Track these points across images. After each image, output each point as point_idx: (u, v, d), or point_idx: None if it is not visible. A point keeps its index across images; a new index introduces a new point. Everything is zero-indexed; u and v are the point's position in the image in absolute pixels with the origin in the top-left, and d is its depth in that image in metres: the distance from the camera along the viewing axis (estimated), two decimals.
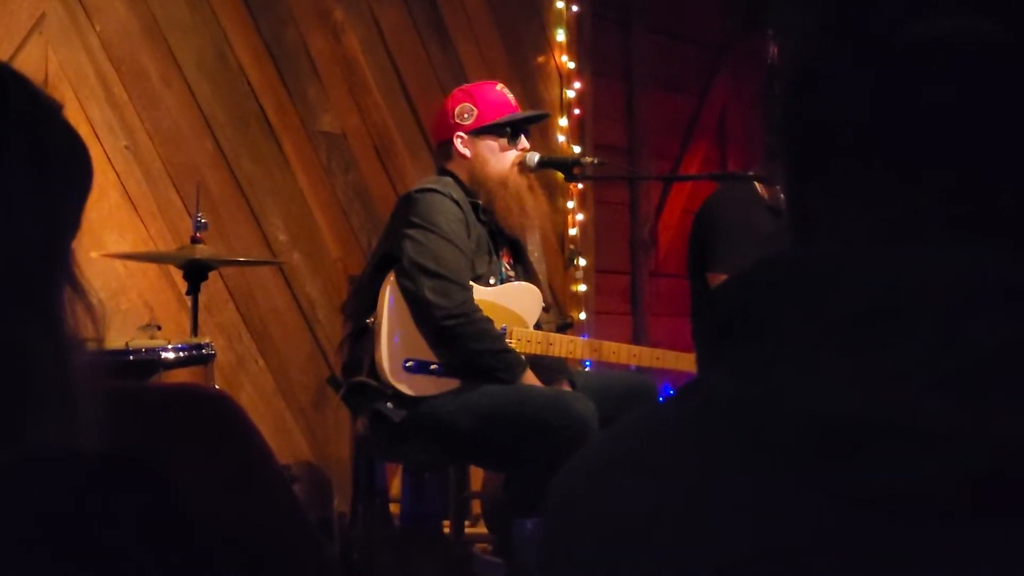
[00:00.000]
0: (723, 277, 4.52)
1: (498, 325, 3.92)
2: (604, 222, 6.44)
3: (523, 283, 4.13)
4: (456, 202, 3.94)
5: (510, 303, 4.03)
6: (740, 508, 0.77)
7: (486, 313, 3.86)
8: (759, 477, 0.77)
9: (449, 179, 4.06)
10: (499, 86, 4.23)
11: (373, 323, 3.85)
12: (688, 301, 5.13)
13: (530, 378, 3.85)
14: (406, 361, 3.81)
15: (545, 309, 4.18)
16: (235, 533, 0.98)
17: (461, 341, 3.80)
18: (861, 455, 0.74)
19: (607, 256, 6.45)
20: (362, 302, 3.93)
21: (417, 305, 3.81)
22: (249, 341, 4.87)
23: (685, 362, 4.24)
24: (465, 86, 4.35)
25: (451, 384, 3.83)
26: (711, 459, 0.79)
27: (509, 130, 4.12)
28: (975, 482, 0.72)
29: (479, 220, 4.01)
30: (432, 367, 3.82)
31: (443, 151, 4.19)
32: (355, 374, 3.87)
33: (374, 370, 3.82)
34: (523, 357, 3.89)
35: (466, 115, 4.12)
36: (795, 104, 0.86)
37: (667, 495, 0.80)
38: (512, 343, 3.95)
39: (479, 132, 4.10)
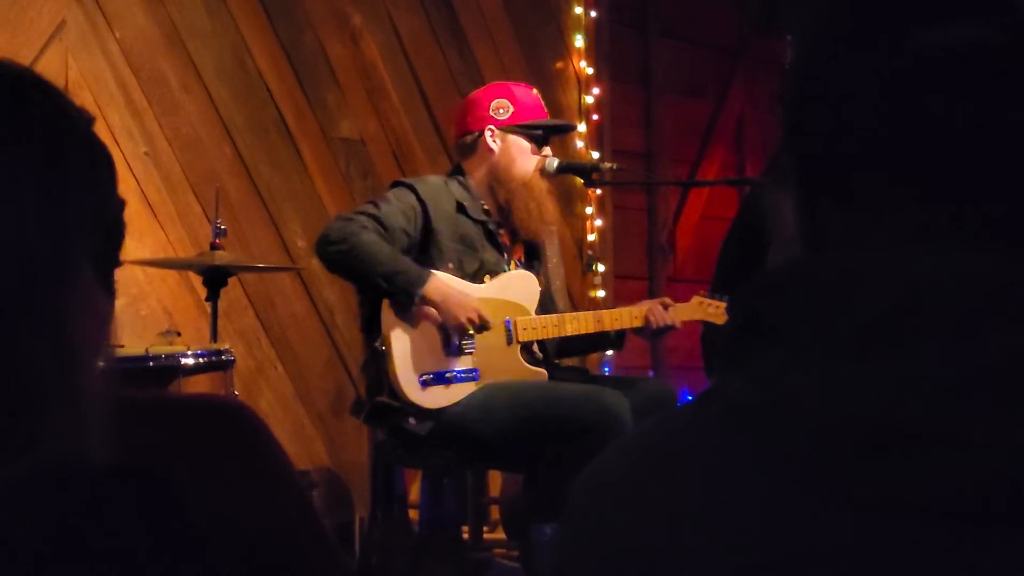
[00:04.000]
0: None
1: (500, 318, 3.90)
2: (622, 227, 6.44)
3: (518, 271, 4.09)
4: (420, 197, 3.93)
5: (507, 294, 4.00)
6: (759, 513, 0.77)
7: (485, 310, 3.86)
8: (778, 482, 0.77)
9: (438, 178, 4.07)
10: (534, 90, 4.21)
11: (380, 346, 3.82)
12: None
13: (435, 288, 3.80)
14: (421, 376, 3.80)
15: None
16: (250, 545, 0.97)
17: (349, 269, 3.83)
18: (877, 460, 0.74)
19: (625, 261, 6.44)
20: (367, 323, 3.92)
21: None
22: (268, 347, 4.88)
23: (684, 312, 4.20)
24: (500, 82, 4.30)
25: (469, 388, 3.82)
26: (729, 465, 0.79)
27: (541, 133, 4.11)
28: (991, 487, 0.72)
29: (470, 218, 4.00)
30: (447, 375, 3.81)
31: (466, 144, 4.12)
32: (378, 394, 3.85)
33: (393, 391, 3.80)
34: (424, 272, 3.81)
35: (502, 110, 4.07)
36: (807, 113, 0.86)
37: (685, 502, 0.80)
38: (519, 333, 3.93)
39: (512, 129, 4.08)
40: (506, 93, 4.12)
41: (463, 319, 3.78)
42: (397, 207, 3.87)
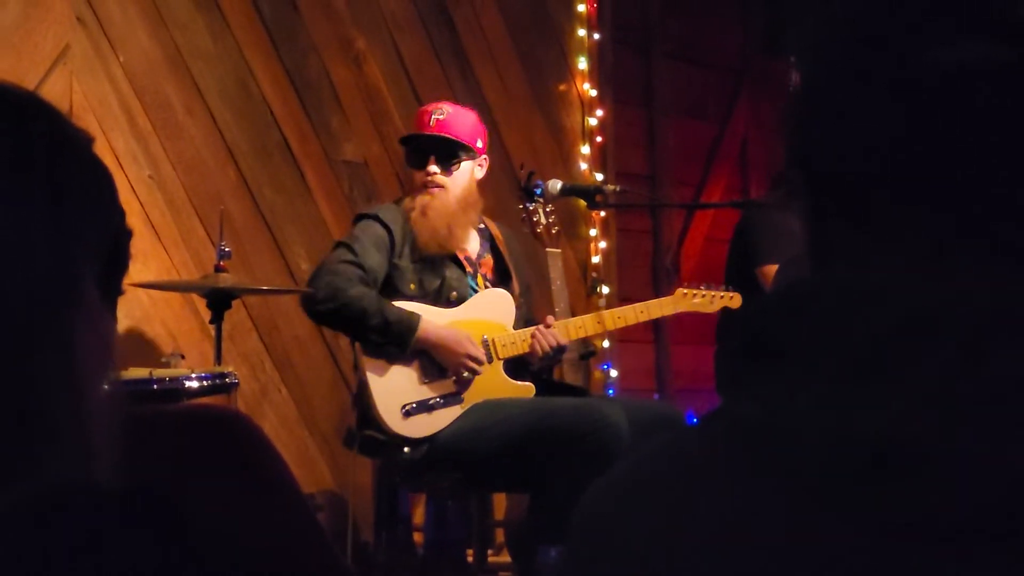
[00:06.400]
0: (775, 267, 4.49)
1: (477, 338, 3.88)
2: (627, 250, 6.43)
3: (490, 290, 4.08)
4: (384, 224, 3.97)
5: (482, 313, 3.99)
6: (764, 533, 0.76)
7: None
8: (783, 503, 0.76)
9: (394, 204, 4.13)
10: (431, 106, 4.20)
11: (359, 376, 3.83)
12: (710, 329, 5.12)
13: (428, 331, 3.80)
14: (404, 407, 3.78)
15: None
16: (253, 559, 0.97)
17: (340, 325, 3.85)
18: (882, 481, 0.73)
19: (630, 284, 6.43)
20: (357, 354, 3.92)
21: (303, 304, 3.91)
22: (272, 370, 4.87)
23: (668, 306, 4.21)
24: None
25: (454, 412, 3.81)
26: (735, 485, 0.79)
27: (406, 149, 4.17)
28: (995, 509, 0.71)
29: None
30: (430, 402, 3.79)
31: None
32: (366, 427, 3.84)
33: (378, 424, 3.78)
34: (413, 316, 3.81)
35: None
36: (816, 132, 0.86)
37: (691, 522, 0.80)
38: (499, 350, 3.92)
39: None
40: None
41: (463, 355, 3.77)
42: (368, 242, 3.90)
